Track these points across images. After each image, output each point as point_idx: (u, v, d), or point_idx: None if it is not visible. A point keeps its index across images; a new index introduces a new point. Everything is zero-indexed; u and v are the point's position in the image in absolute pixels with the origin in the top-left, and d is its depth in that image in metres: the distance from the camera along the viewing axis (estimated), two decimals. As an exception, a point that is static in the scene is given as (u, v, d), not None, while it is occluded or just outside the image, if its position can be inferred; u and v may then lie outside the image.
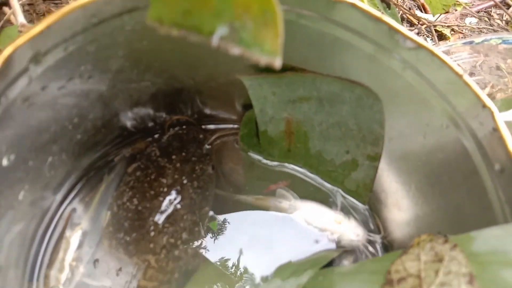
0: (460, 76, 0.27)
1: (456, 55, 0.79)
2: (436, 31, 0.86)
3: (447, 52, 0.68)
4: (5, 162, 0.23)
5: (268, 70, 0.34)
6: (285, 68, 0.34)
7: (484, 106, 0.27)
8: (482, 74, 0.77)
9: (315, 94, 0.35)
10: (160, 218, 0.38)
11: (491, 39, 0.50)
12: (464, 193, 0.30)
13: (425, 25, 0.83)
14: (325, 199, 0.42)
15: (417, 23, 0.81)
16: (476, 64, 0.79)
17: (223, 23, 0.16)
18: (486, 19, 0.96)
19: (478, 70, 0.80)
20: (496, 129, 0.27)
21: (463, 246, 0.25)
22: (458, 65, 0.58)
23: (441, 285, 0.24)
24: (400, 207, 0.37)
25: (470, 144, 0.29)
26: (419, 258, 0.26)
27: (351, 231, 0.39)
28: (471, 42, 0.52)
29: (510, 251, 0.23)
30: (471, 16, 0.97)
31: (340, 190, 0.42)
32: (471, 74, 0.80)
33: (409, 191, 0.36)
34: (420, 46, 0.28)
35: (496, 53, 0.71)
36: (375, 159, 0.37)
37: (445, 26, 0.88)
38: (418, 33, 0.80)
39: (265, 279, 0.37)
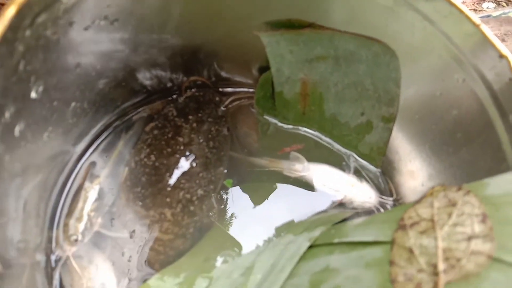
0: (478, 26, 0.27)
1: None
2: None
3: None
4: (33, 94, 0.24)
5: (286, 26, 0.34)
6: (303, 25, 0.34)
7: (501, 56, 0.27)
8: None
9: (332, 53, 0.36)
10: (176, 174, 0.39)
11: (509, 12, 0.50)
12: (478, 147, 0.31)
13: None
14: (338, 163, 0.42)
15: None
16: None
17: None
18: (504, 4, 0.96)
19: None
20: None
21: (476, 192, 0.25)
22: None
23: (454, 225, 0.24)
24: (413, 169, 0.38)
25: (486, 97, 0.29)
26: (432, 205, 0.27)
27: (364, 194, 0.40)
28: (488, 16, 0.51)
29: (522, 192, 0.24)
30: (488, 1, 0.96)
31: (353, 154, 0.42)
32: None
33: (423, 151, 0.36)
34: (438, -3, 0.28)
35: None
36: (390, 120, 0.38)
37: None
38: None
39: (277, 235, 0.38)
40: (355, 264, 0.27)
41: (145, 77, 0.40)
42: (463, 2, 0.93)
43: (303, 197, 0.41)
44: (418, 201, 0.28)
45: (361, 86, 0.37)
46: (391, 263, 0.24)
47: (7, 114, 0.22)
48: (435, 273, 0.22)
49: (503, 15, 0.49)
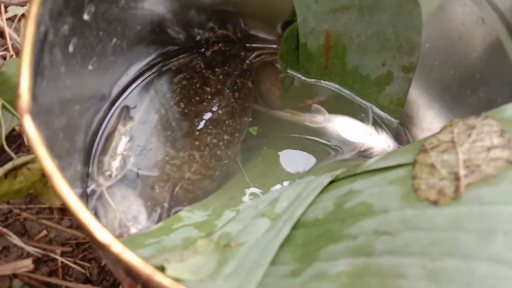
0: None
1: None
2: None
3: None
4: (85, 16, 0.27)
5: (314, -26, 0.36)
6: (330, -27, 0.36)
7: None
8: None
9: (357, 2, 0.37)
10: (204, 120, 0.41)
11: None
12: (495, 86, 0.32)
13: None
14: (358, 114, 0.44)
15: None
16: None
17: None
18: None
19: None
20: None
21: (494, 116, 0.27)
22: None
23: (473, 142, 0.26)
24: (431, 117, 0.39)
25: (504, 35, 0.31)
26: (452, 132, 0.28)
27: (382, 143, 0.41)
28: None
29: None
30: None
31: (373, 107, 0.44)
32: None
33: (442, 98, 0.38)
34: None
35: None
36: (410, 69, 0.39)
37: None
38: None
39: (300, 177, 0.40)
40: (379, 184, 0.28)
41: (175, 29, 0.42)
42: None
43: (323, 146, 0.43)
44: (437, 132, 0.30)
45: (383, 36, 0.39)
46: (414, 177, 0.26)
47: (65, 26, 0.24)
48: (456, 179, 0.24)
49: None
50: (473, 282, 0.19)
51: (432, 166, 0.26)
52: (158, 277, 0.15)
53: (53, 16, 0.22)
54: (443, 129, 0.30)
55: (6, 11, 0.50)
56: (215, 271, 0.26)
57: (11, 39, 0.48)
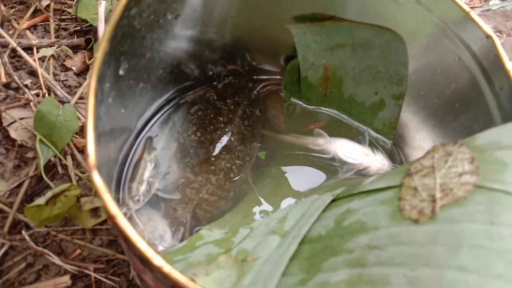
0: (468, 13, 0.34)
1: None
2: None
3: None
4: (121, 71, 0.32)
5: (311, 19, 0.42)
6: (325, 18, 0.41)
7: (488, 36, 0.34)
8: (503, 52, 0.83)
9: (350, 41, 0.43)
10: (218, 147, 0.47)
11: (507, 5, 0.56)
12: (472, 114, 0.37)
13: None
14: (355, 137, 0.49)
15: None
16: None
17: None
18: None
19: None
20: (497, 55, 0.34)
21: (468, 144, 0.32)
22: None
23: (449, 167, 0.31)
24: (420, 138, 0.44)
25: (477, 71, 0.36)
26: (433, 157, 0.33)
27: (378, 162, 0.46)
28: (488, 10, 0.58)
29: (503, 139, 0.30)
30: (495, -1, 1.02)
31: (369, 129, 0.49)
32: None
33: (428, 122, 0.43)
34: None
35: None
36: (400, 97, 0.44)
37: (469, 6, 0.94)
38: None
39: (305, 196, 0.45)
40: (371, 204, 0.33)
41: (191, 67, 0.47)
42: (471, 0, 1.00)
43: (325, 167, 0.48)
44: (422, 157, 0.35)
45: (375, 69, 0.44)
46: (400, 198, 0.31)
47: (107, 84, 0.29)
48: (433, 201, 0.29)
49: (501, 9, 0.56)
50: (443, 287, 0.24)
51: (415, 189, 0.31)
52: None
53: (100, 81, 0.27)
54: (426, 153, 0.35)
55: (37, 52, 0.56)
56: (236, 283, 0.31)
57: (42, 78, 0.53)
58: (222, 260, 0.34)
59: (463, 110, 0.38)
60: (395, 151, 0.48)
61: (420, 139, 0.44)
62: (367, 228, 0.31)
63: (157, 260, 0.20)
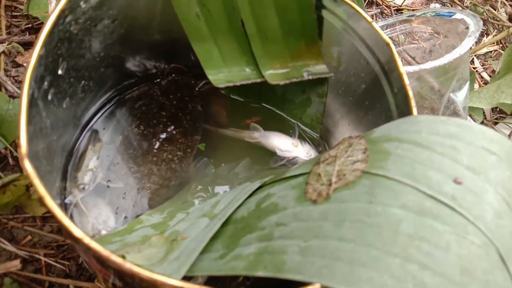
0: (370, 23, 0.39)
1: (418, 35, 0.91)
2: (401, 13, 0.98)
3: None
4: (60, 71, 0.35)
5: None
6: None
7: (387, 43, 0.39)
8: (440, 52, 0.90)
9: (277, 44, 0.47)
10: (161, 139, 0.51)
11: (427, 12, 0.62)
12: (377, 111, 0.43)
13: (391, 7, 0.95)
14: (288, 131, 0.54)
15: (381, 4, 0.93)
16: (435, 43, 0.92)
17: None
18: (449, 5, 1.09)
19: (437, 48, 0.92)
20: (394, 60, 0.39)
21: (367, 136, 0.37)
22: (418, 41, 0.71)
23: (347, 156, 0.36)
24: (341, 131, 0.50)
25: (380, 74, 0.41)
26: (338, 148, 0.39)
27: (305, 152, 0.51)
28: (412, 15, 0.64)
29: (392, 133, 0.36)
30: (435, 2, 1.09)
31: (299, 123, 0.54)
32: (430, 52, 0.93)
33: (346, 117, 0.48)
34: (345, 3, 0.40)
35: (455, 35, 0.83)
36: (323, 95, 0.50)
37: (410, 9, 1.01)
38: (381, 13, 0.93)
39: (240, 183, 0.49)
40: (285, 188, 0.38)
41: (134, 65, 0.51)
42: (413, 3, 1.07)
43: (260, 158, 0.53)
44: (331, 148, 0.40)
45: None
46: (306, 183, 0.36)
47: (45, 83, 0.33)
48: (330, 184, 0.34)
49: (422, 15, 0.62)
50: (326, 254, 0.29)
51: (319, 175, 0.36)
52: (113, 257, 0.24)
53: (37, 80, 0.31)
54: (335, 145, 0.40)
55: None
56: (163, 258, 0.35)
57: (-7, 73, 0.56)
58: (154, 240, 0.38)
59: (371, 107, 0.43)
60: (322, 143, 0.53)
61: (341, 132, 0.50)
62: (278, 209, 0.36)
63: (78, 232, 0.24)
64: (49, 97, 0.35)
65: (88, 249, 0.25)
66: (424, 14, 0.62)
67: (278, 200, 0.37)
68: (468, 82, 0.62)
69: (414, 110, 0.37)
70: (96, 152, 0.49)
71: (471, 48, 0.56)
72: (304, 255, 0.30)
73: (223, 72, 0.48)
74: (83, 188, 0.47)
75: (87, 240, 0.24)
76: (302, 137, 0.53)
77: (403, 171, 0.32)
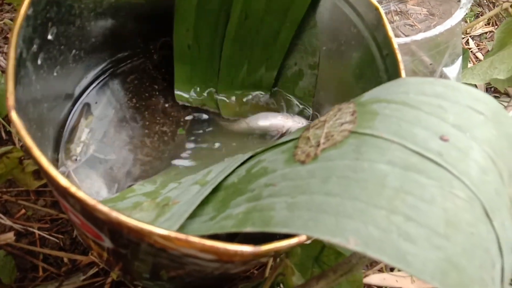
0: (359, -11, 0.39)
1: (413, 16, 0.91)
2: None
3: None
4: (49, 36, 0.36)
5: None
6: None
7: (376, 8, 0.39)
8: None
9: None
10: (153, 112, 0.51)
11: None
12: (368, 77, 0.43)
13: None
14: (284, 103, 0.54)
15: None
16: (430, 25, 0.92)
17: None
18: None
19: (432, 30, 0.92)
20: (383, 25, 0.39)
21: (356, 101, 0.37)
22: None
23: (336, 119, 0.36)
24: (333, 102, 0.50)
25: (370, 40, 0.41)
26: (328, 113, 0.39)
27: (296, 121, 0.52)
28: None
29: (380, 95, 0.36)
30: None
31: (292, 98, 0.54)
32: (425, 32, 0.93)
33: (338, 87, 0.48)
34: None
35: (450, 16, 0.83)
36: (314, 67, 0.50)
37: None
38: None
39: (233, 154, 0.50)
40: (276, 153, 0.38)
41: (126, 38, 0.51)
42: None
43: (255, 138, 0.53)
44: (322, 115, 0.40)
45: (293, 41, 0.49)
46: (296, 147, 0.37)
47: (35, 46, 0.33)
48: (318, 145, 0.34)
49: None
50: (313, 208, 0.29)
51: (308, 138, 0.36)
52: (100, 206, 0.25)
53: (25, 40, 0.31)
54: (327, 113, 0.40)
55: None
56: (154, 220, 0.36)
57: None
58: (146, 205, 0.39)
59: (362, 75, 0.44)
60: (316, 116, 0.54)
61: (334, 103, 0.50)
62: (268, 172, 0.36)
63: (63, 181, 0.24)
64: (39, 61, 0.35)
65: (75, 201, 0.26)
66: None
67: (268, 164, 0.37)
68: (460, 57, 0.62)
69: (403, 73, 0.37)
70: (88, 125, 0.49)
71: (465, 21, 0.56)
72: (291, 210, 0.30)
73: (187, 93, 0.54)
74: (76, 160, 0.47)
75: (73, 189, 0.24)
76: (293, 111, 0.54)
77: (390, 130, 0.32)
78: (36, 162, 0.25)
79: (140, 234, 0.26)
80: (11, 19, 0.60)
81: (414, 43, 0.53)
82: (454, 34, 0.56)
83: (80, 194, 0.25)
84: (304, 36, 0.47)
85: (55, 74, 0.40)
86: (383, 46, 0.40)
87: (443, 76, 0.61)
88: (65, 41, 0.39)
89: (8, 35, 0.59)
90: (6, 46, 0.58)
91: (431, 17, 0.91)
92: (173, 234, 0.26)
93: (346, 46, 0.45)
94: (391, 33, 0.39)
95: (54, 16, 0.36)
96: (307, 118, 0.54)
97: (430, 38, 0.52)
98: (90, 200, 0.25)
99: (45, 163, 0.25)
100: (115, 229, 0.27)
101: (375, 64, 0.41)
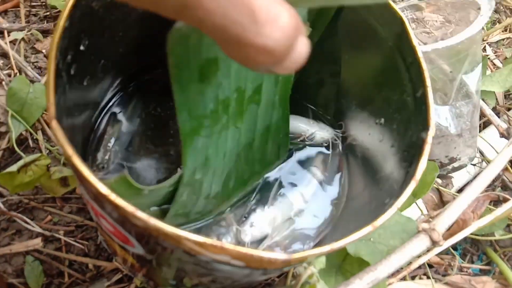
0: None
1: (430, 23, 0.92)
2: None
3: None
4: (82, 47, 0.37)
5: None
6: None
7: (399, 17, 0.40)
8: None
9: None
10: (177, 121, 0.52)
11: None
12: (391, 86, 0.43)
13: (402, -3, 0.95)
14: (304, 113, 0.55)
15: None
16: (447, 32, 0.92)
17: None
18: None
19: (449, 37, 0.92)
20: (407, 34, 0.40)
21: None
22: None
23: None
24: (354, 108, 0.50)
25: (394, 49, 0.42)
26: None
27: (322, 128, 0.52)
28: None
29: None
30: (447, -8, 1.09)
31: (312, 106, 0.55)
32: (442, 40, 0.93)
33: (360, 95, 0.49)
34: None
35: (467, 23, 0.83)
36: (336, 76, 0.50)
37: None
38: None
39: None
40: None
41: (152, 48, 0.52)
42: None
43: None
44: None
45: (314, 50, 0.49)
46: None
47: (69, 57, 0.34)
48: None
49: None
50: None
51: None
52: (139, 213, 0.25)
53: (62, 52, 0.32)
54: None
55: (8, 35, 0.60)
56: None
57: (14, 59, 0.57)
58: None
59: (385, 83, 0.44)
60: (335, 123, 0.54)
61: (355, 111, 0.50)
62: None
63: (103, 189, 0.25)
64: (72, 71, 0.36)
65: (113, 207, 0.26)
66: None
67: None
68: (480, 65, 0.62)
69: (428, 82, 0.37)
70: (114, 134, 0.50)
71: (483, 29, 0.56)
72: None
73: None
74: (102, 168, 0.48)
75: (113, 196, 0.25)
76: (317, 117, 0.54)
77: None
78: (76, 170, 0.26)
79: (176, 241, 0.26)
80: (38, 30, 0.62)
81: (435, 51, 0.53)
82: (474, 42, 0.56)
83: (120, 201, 0.25)
84: (326, 46, 0.48)
85: (85, 83, 0.41)
86: (407, 55, 0.40)
87: (462, 83, 0.61)
88: (95, 52, 0.40)
89: (35, 45, 0.61)
90: (33, 56, 0.60)
91: (447, 24, 0.91)
92: (208, 241, 0.26)
93: (368, 54, 0.45)
94: (415, 42, 0.39)
95: (87, 27, 0.37)
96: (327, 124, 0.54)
97: (451, 46, 0.52)
98: (129, 207, 0.25)
99: (85, 171, 0.26)
100: (151, 235, 0.28)
101: (398, 73, 0.42)
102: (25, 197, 0.53)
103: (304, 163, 0.51)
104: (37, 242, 0.50)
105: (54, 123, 0.26)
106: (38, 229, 0.51)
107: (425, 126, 0.36)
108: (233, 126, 0.41)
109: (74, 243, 0.52)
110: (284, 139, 0.48)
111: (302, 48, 0.23)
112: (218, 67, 0.35)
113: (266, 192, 0.48)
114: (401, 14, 0.39)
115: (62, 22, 0.30)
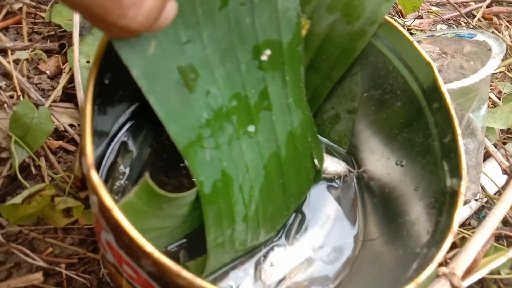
0: (411, 42, 0.40)
1: (427, 55, 0.93)
2: (411, 33, 1.00)
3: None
4: (106, 81, 0.35)
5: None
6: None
7: (427, 63, 0.40)
8: (448, 72, 0.92)
9: (311, 60, 0.48)
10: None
11: (447, 33, 0.63)
12: (414, 128, 0.43)
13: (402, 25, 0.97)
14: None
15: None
16: (443, 64, 0.94)
17: None
18: (455, 26, 1.11)
19: (445, 69, 0.94)
20: (435, 79, 0.40)
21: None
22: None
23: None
24: (371, 148, 0.50)
25: (419, 92, 0.42)
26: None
27: (335, 163, 0.51)
28: (432, 35, 0.65)
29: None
30: (442, 23, 1.12)
31: (326, 140, 0.54)
32: (440, 72, 0.95)
33: (377, 134, 0.48)
34: (387, 22, 0.41)
35: (461, 55, 0.85)
36: (353, 112, 0.50)
37: (418, 29, 1.03)
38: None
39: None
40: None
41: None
42: (421, 23, 1.09)
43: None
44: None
45: (332, 87, 0.49)
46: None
47: (96, 91, 0.33)
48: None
49: (443, 35, 0.63)
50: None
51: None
52: (185, 273, 0.24)
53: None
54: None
55: (12, 54, 0.57)
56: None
57: (17, 80, 0.55)
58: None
59: (407, 125, 0.44)
60: (349, 157, 0.54)
61: (371, 148, 0.50)
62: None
63: (149, 247, 0.23)
64: (96, 106, 0.34)
65: (154, 263, 0.25)
66: (444, 34, 0.64)
67: None
68: (486, 103, 0.63)
69: (458, 130, 0.37)
70: (125, 164, 0.48)
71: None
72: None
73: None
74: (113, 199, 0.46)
75: (157, 254, 0.24)
76: (329, 151, 0.53)
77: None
78: (118, 224, 0.25)
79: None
80: (41, 49, 0.60)
81: (449, 91, 0.53)
82: (485, 82, 0.57)
83: (164, 259, 0.24)
84: (345, 83, 0.48)
85: (104, 115, 0.40)
86: (433, 99, 0.40)
87: (469, 121, 0.62)
88: (115, 83, 0.39)
89: (38, 66, 0.58)
90: (36, 77, 0.58)
91: (443, 55, 0.93)
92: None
93: (390, 95, 0.45)
94: (444, 88, 0.39)
95: (112, 61, 0.35)
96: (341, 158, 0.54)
97: (465, 87, 0.53)
98: (175, 267, 0.24)
99: (128, 227, 0.24)
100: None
101: (423, 117, 0.41)
102: (25, 228, 0.50)
103: (320, 198, 0.50)
104: (37, 277, 0.47)
105: (93, 174, 0.25)
106: (38, 262, 0.48)
107: (455, 174, 0.36)
108: (246, 135, 0.39)
109: (76, 277, 0.49)
110: (314, 143, 0.46)
111: (169, 14, 0.24)
112: (197, 74, 0.34)
113: (290, 226, 0.46)
114: (429, 59, 0.39)
115: (97, 61, 0.29)
